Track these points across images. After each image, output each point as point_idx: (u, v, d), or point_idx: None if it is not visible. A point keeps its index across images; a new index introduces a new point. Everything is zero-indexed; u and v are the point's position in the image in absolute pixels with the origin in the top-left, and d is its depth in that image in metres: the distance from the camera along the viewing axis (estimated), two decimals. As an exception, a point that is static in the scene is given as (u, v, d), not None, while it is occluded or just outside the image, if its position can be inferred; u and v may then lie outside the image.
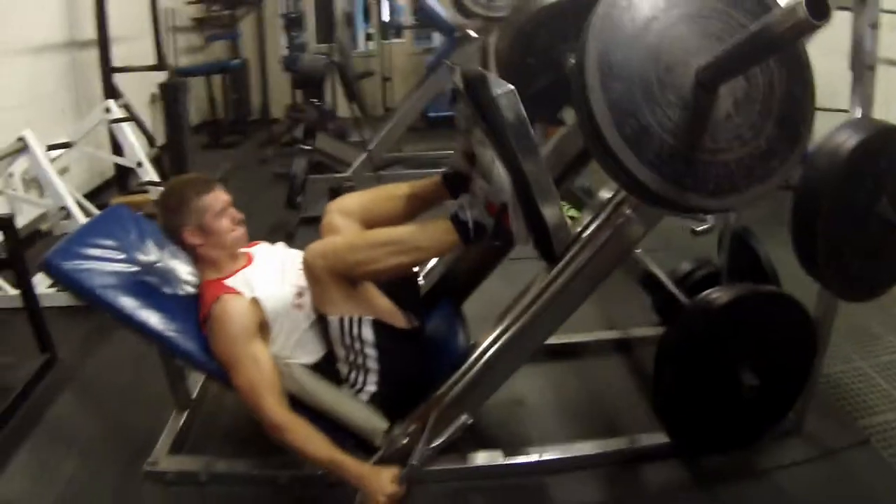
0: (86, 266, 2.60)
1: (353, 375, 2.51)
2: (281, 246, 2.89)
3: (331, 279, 2.39)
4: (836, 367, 3.24)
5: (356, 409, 2.50)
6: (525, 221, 2.24)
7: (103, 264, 2.65)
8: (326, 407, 2.48)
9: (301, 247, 2.81)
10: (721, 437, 2.65)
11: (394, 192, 2.82)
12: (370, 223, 2.71)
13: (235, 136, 8.79)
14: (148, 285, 2.67)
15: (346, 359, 2.49)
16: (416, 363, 2.56)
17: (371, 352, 2.46)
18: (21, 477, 2.82)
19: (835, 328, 2.67)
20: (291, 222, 5.35)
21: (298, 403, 2.46)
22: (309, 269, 2.41)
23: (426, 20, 7.40)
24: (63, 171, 5.03)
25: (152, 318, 2.54)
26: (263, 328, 2.50)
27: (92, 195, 5.90)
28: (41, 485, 2.76)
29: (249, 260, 2.70)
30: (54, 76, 6.06)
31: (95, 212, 4.71)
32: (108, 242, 2.76)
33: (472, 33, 6.54)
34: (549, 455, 2.74)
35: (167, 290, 2.70)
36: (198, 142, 8.12)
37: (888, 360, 3.32)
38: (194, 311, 2.62)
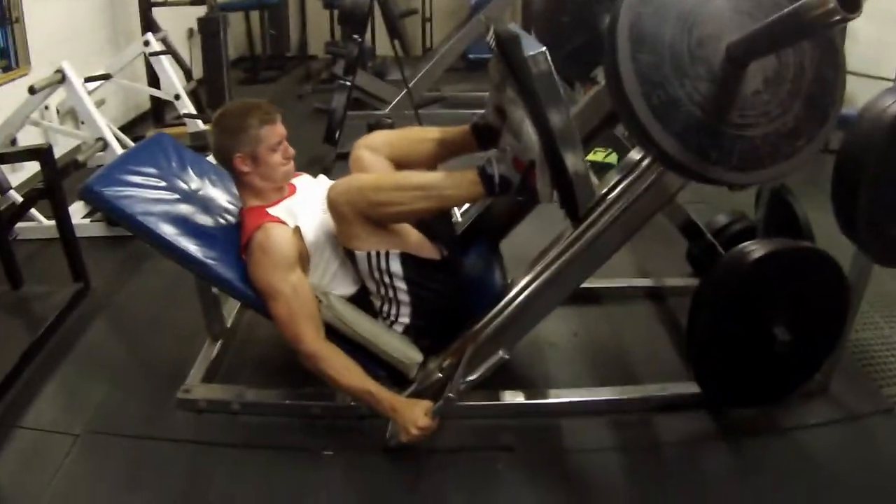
0: (127, 192, 2.61)
1: (385, 308, 2.53)
2: (322, 178, 2.89)
3: (355, 216, 2.38)
4: (864, 334, 3.18)
5: (392, 340, 2.52)
6: (551, 180, 2.24)
7: (144, 191, 2.67)
8: (363, 337, 2.50)
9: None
10: (749, 390, 2.64)
11: (423, 135, 2.84)
12: (397, 163, 2.71)
13: (273, 71, 8.75)
14: (188, 213, 2.70)
15: (377, 292, 2.51)
16: (447, 293, 2.56)
17: (401, 284, 2.47)
18: (52, 405, 2.85)
19: (866, 296, 2.65)
20: (328, 157, 5.35)
21: (334, 334, 2.48)
22: (333, 205, 2.40)
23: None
24: (99, 104, 5.06)
25: (192, 245, 2.56)
26: (303, 258, 2.51)
27: (127, 128, 5.96)
28: (72, 411, 2.79)
29: (293, 190, 2.70)
30: (93, 10, 6.06)
31: (131, 144, 4.75)
32: (150, 170, 2.78)
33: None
34: (577, 397, 2.75)
35: (207, 218, 2.73)
36: (235, 77, 8.03)
37: (917, 332, 3.27)
38: (233, 239, 2.64)
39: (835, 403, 2.75)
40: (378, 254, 2.42)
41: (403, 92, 5.99)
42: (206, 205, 2.80)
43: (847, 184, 2.11)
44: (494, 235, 3.03)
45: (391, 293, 2.48)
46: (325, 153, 5.38)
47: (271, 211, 2.55)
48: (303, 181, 2.80)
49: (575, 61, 2.32)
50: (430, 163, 2.76)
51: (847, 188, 2.12)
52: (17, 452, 2.58)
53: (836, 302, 2.54)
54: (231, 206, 2.85)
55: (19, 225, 3.98)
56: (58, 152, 3.86)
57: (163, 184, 2.75)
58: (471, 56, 8.37)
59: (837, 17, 1.50)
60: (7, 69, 4.77)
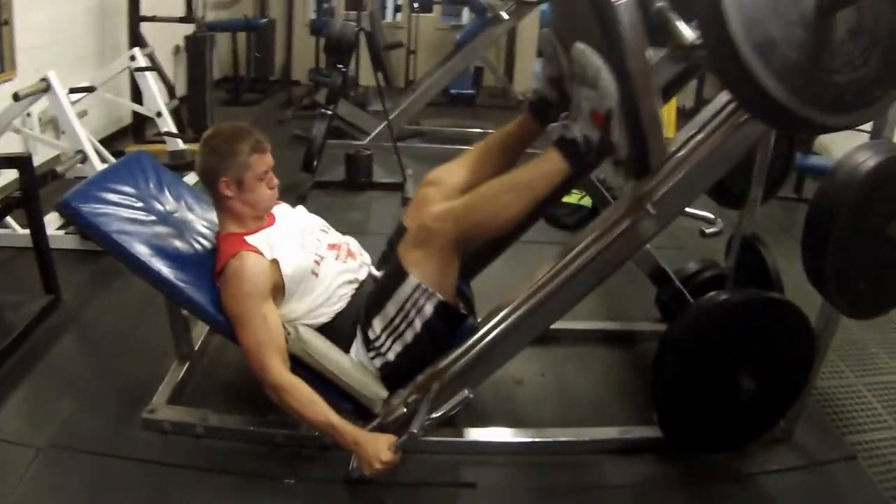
0: (103, 210, 2.62)
1: (383, 336, 2.53)
2: (301, 210, 2.91)
3: (444, 243, 2.42)
4: (830, 382, 3.25)
5: (359, 374, 2.53)
6: (626, 132, 2.29)
7: (121, 210, 2.67)
8: (329, 370, 2.51)
9: (314, 210, 2.85)
10: (713, 436, 2.68)
11: (486, 148, 2.85)
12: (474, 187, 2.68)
13: (255, 94, 8.81)
14: (163, 235, 2.71)
15: (391, 318, 2.50)
16: (439, 352, 2.58)
17: (418, 325, 2.48)
18: (16, 416, 2.87)
19: (832, 344, 2.69)
20: (305, 185, 5.36)
21: (300, 366, 2.50)
22: (425, 230, 2.43)
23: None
24: (81, 115, 5.08)
25: (165, 267, 2.57)
26: (277, 290, 2.52)
27: (107, 141, 5.95)
28: (36, 425, 2.79)
29: (272, 220, 2.71)
30: (82, 18, 6.08)
31: (110, 158, 4.80)
32: (128, 189, 2.79)
33: (504, 15, 6.59)
34: (540, 437, 2.77)
35: (181, 241, 2.73)
36: (217, 97, 8.09)
37: (881, 381, 3.33)
38: (207, 264, 2.65)
39: (798, 450, 2.79)
40: (426, 290, 2.44)
41: (384, 124, 6.05)
42: (181, 228, 2.81)
43: (817, 236, 2.20)
44: (466, 274, 3.03)
45: (402, 327, 2.50)
46: (302, 181, 5.39)
47: (249, 239, 2.56)
48: (281, 210, 2.80)
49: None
50: (507, 168, 2.72)
51: (817, 240, 2.20)
52: (-23, 462, 2.58)
53: (802, 352, 2.60)
54: (206, 231, 2.86)
55: (-7, 231, 3.98)
56: (36, 161, 3.89)
57: (140, 204, 2.76)
58: (452, 91, 8.49)
59: None
60: (-9, 72, 4.77)
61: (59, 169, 4.25)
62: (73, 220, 2.65)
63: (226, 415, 2.77)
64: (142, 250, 2.56)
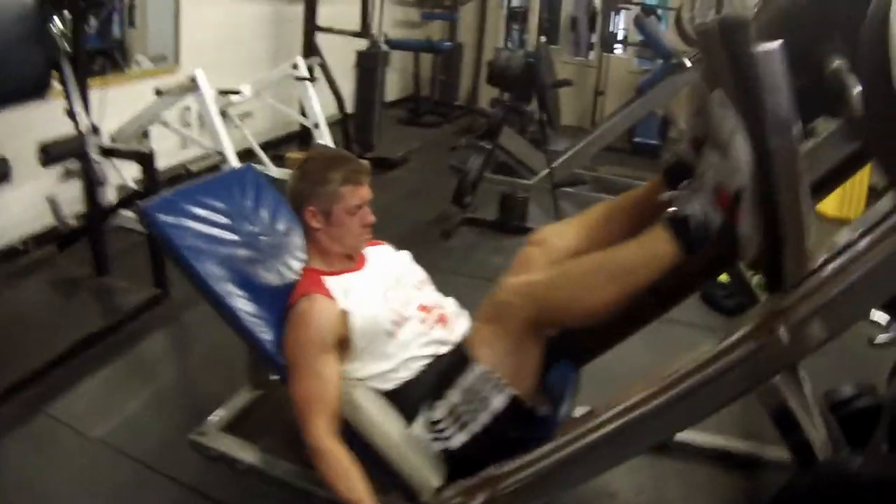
0: (182, 223, 2.49)
1: (446, 423, 2.17)
2: (404, 256, 2.63)
3: (517, 327, 2.06)
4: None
5: (415, 457, 2.22)
6: (759, 223, 1.83)
7: (202, 225, 2.54)
8: (379, 444, 2.22)
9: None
10: None
11: (607, 211, 2.45)
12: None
13: (436, 116, 8.85)
14: (241, 258, 2.56)
15: (455, 405, 2.15)
16: (513, 448, 2.18)
17: (486, 418, 2.11)
18: (85, 400, 3.12)
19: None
20: (453, 220, 5.17)
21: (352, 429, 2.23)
22: (502, 306, 2.08)
23: (646, 39, 7.21)
24: (244, 116, 5.18)
25: (231, 294, 2.41)
26: (343, 344, 2.27)
27: (273, 144, 6.26)
28: (98, 414, 3.02)
29: (361, 263, 2.47)
30: (252, 24, 6.38)
31: (265, 160, 5.11)
32: (218, 204, 2.65)
33: (687, 62, 6.21)
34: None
35: (261, 268, 2.58)
36: (396, 115, 8.26)
37: None
38: (281, 297, 2.43)
39: None
40: (495, 381, 2.08)
41: (546, 171, 5.78)
42: (267, 253, 2.66)
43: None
44: (578, 358, 2.58)
45: (467, 417, 2.13)
46: (451, 214, 5.23)
47: (327, 280, 2.33)
48: (377, 253, 2.56)
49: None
50: (625, 239, 2.17)
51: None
52: (31, 437, 2.86)
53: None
54: (294, 262, 2.69)
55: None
56: (188, 156, 4.23)
57: (225, 221, 2.62)
58: (637, 139, 8.15)
59: None
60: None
61: (193, 168, 4.30)
62: (149, 228, 2.52)
63: (274, 457, 2.63)
64: (211, 270, 2.41)
